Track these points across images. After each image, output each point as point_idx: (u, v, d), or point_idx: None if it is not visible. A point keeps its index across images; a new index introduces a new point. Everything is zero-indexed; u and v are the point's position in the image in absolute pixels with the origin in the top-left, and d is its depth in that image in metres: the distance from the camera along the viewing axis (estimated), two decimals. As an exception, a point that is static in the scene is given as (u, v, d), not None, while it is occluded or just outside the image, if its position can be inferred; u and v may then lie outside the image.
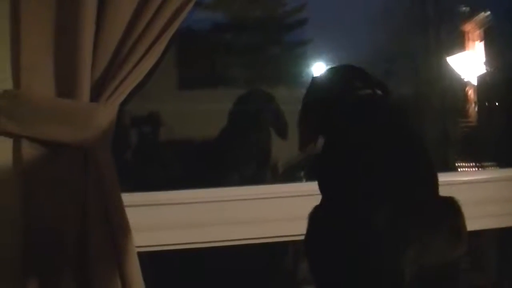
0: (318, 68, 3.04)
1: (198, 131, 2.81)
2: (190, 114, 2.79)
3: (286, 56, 3.25)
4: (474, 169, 2.72)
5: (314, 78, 1.77)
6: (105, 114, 1.89)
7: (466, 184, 2.29)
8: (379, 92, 1.60)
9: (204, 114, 2.80)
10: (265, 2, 3.20)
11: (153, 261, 2.19)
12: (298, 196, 2.13)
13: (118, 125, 1.95)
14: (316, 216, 1.47)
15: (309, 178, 2.61)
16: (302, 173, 2.84)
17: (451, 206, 1.43)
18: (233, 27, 3.11)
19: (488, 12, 2.76)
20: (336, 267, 1.38)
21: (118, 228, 1.89)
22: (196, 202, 2.12)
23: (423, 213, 1.37)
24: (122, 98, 1.91)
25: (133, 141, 2.70)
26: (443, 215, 1.41)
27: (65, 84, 1.88)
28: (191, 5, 1.94)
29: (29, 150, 1.88)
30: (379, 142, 1.45)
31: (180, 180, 2.59)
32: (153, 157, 2.74)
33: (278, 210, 2.17)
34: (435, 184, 1.47)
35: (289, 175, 2.77)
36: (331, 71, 1.77)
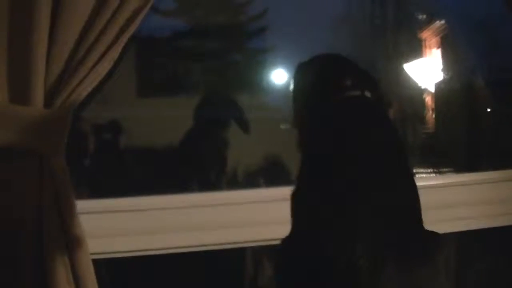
0: (279, 75, 3.05)
1: (158, 138, 2.80)
2: (150, 121, 2.78)
3: (248, 63, 3.26)
4: (432, 175, 2.74)
5: (301, 68, 1.71)
6: (59, 120, 1.86)
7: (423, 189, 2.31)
8: (368, 94, 1.55)
9: (165, 120, 2.79)
10: (226, 9, 3.20)
11: (110, 268, 2.18)
12: (257, 202, 2.12)
13: (76, 131, 1.93)
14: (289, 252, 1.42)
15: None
16: (261, 181, 2.85)
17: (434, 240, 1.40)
18: (194, 33, 3.11)
19: (444, 21, 2.79)
20: None
21: (72, 234, 1.86)
22: (152, 209, 2.11)
23: (408, 251, 1.34)
24: (76, 104, 1.88)
25: (92, 148, 2.68)
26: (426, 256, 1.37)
27: (18, 90, 1.84)
28: (146, 10, 1.91)
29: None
30: (363, 158, 1.42)
31: (139, 186, 2.58)
32: (112, 163, 2.72)
33: (235, 216, 2.15)
34: (419, 211, 1.44)
35: (250, 182, 2.77)
36: (319, 63, 1.69)
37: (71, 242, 1.86)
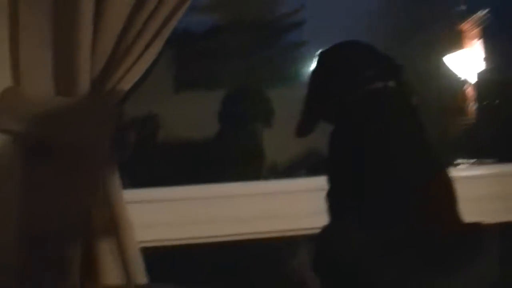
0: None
1: (195, 132, 2.82)
2: (187, 116, 2.79)
3: (282, 58, 3.25)
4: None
5: (322, 56, 1.65)
6: (104, 111, 1.89)
7: (465, 179, 2.29)
8: (392, 84, 1.52)
9: (201, 115, 2.80)
10: (261, 4, 3.20)
11: (156, 256, 2.19)
12: (298, 191, 2.13)
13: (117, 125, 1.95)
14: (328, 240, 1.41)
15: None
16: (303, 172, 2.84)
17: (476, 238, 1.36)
18: (229, 28, 3.11)
19: (486, 10, 2.75)
20: None
21: (121, 224, 1.89)
22: (196, 198, 2.13)
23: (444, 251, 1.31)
24: (120, 95, 1.90)
25: (131, 141, 2.70)
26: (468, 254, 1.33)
27: (64, 82, 1.87)
28: (187, 4, 1.93)
29: (27, 148, 1.87)
30: (392, 148, 1.42)
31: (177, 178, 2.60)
32: (151, 156, 2.74)
33: (277, 206, 2.16)
34: (455, 202, 1.41)
35: (290, 173, 2.77)
36: (341, 50, 1.65)
37: (119, 230, 1.89)
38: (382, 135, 1.41)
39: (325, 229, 1.41)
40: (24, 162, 1.87)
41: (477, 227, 1.38)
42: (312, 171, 2.60)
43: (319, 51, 1.68)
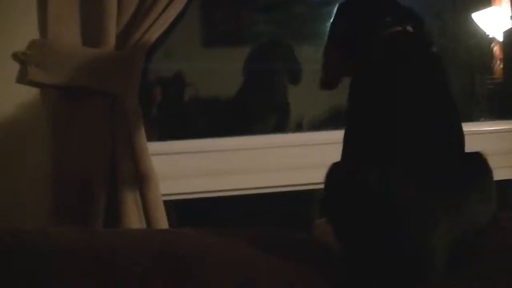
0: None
1: (222, 88, 2.83)
2: (214, 72, 2.80)
3: (311, 15, 3.23)
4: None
5: (342, 7, 1.65)
6: (131, 61, 1.91)
7: (491, 133, 2.30)
8: (409, 28, 1.51)
9: (229, 71, 2.81)
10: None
11: (178, 208, 2.23)
12: (324, 144, 2.15)
13: (143, 80, 1.97)
14: (336, 178, 1.41)
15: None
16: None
17: (479, 164, 1.39)
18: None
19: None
20: (360, 236, 1.33)
21: (145, 175, 1.92)
22: (221, 150, 2.15)
23: (453, 173, 1.32)
24: (147, 46, 1.92)
25: (158, 98, 2.72)
26: (472, 175, 1.36)
27: (91, 33, 1.90)
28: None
29: (57, 99, 1.91)
30: (415, 88, 1.41)
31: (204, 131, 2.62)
32: (177, 111, 2.76)
33: (303, 158, 2.18)
34: (463, 139, 1.42)
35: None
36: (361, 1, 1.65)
37: (142, 182, 1.92)
38: (406, 77, 1.42)
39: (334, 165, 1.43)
40: (54, 113, 1.91)
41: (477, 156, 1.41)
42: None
43: (339, 2, 1.67)
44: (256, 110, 2.78)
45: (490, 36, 2.77)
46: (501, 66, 2.77)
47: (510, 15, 2.70)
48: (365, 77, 1.50)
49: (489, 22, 2.75)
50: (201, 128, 2.72)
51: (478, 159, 1.40)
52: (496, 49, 2.78)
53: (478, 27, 2.78)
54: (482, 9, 2.78)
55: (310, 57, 2.89)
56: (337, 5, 1.67)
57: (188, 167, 2.14)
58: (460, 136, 1.42)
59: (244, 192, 2.17)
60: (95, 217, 1.88)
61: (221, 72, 2.80)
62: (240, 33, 3.06)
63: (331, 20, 1.68)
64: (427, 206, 1.28)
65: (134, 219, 1.91)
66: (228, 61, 2.86)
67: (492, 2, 2.79)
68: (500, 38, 2.75)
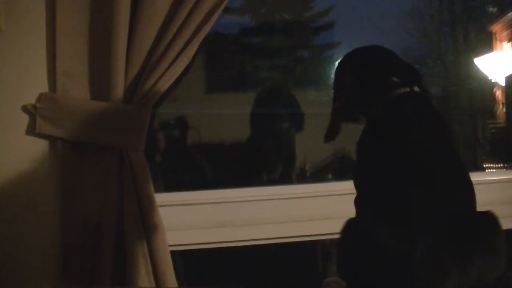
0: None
1: (225, 134, 2.84)
2: (218, 117, 2.81)
3: (314, 59, 3.26)
4: (502, 170, 2.70)
5: (347, 60, 1.66)
6: (139, 115, 1.93)
7: (495, 183, 2.29)
8: (416, 89, 1.54)
9: (232, 117, 2.83)
10: (292, 5, 3.22)
11: (185, 259, 2.22)
12: (327, 196, 2.15)
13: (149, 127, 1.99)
14: (351, 236, 1.41)
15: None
16: (329, 176, 2.85)
17: (491, 223, 1.39)
18: (260, 30, 3.13)
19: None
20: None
21: (152, 227, 1.92)
22: (226, 202, 2.15)
23: (465, 232, 1.34)
24: (154, 100, 1.94)
25: (162, 145, 2.73)
26: (482, 234, 1.36)
27: (100, 87, 1.93)
28: (221, 9, 1.97)
29: (65, 152, 1.93)
30: (427, 150, 1.43)
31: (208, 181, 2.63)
32: (181, 159, 2.77)
33: (306, 210, 2.18)
34: (474, 197, 1.43)
35: (316, 177, 2.78)
36: (366, 55, 1.64)
37: (150, 233, 1.93)
38: (414, 138, 1.44)
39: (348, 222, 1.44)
40: (63, 165, 1.93)
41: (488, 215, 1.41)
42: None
43: (344, 55, 1.69)
44: (263, 159, 2.79)
45: (493, 81, 2.80)
46: (504, 110, 2.79)
47: (512, 61, 2.74)
48: (377, 138, 1.51)
49: (491, 67, 2.78)
50: (206, 176, 2.73)
51: (490, 218, 1.40)
52: (499, 94, 2.81)
53: (481, 71, 2.81)
54: (484, 54, 2.82)
55: (314, 100, 2.92)
56: (339, 60, 1.70)
57: (193, 218, 2.14)
58: (471, 195, 1.42)
59: (250, 243, 2.16)
60: (104, 269, 1.88)
61: (225, 117, 2.82)
62: (244, 79, 3.08)
63: (334, 75, 1.70)
64: (439, 264, 1.29)
65: (141, 271, 1.91)
66: (231, 106, 2.88)
67: (494, 47, 2.82)
68: (502, 82, 2.78)
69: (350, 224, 1.42)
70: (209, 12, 1.95)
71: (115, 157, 1.92)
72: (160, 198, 2.02)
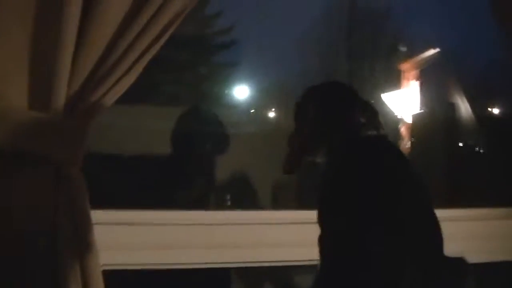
0: (242, 91, 3.07)
1: (129, 146, 2.78)
2: (123, 128, 2.75)
3: (213, 77, 3.26)
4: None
5: (310, 94, 1.68)
6: (79, 130, 1.85)
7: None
8: (382, 132, 1.59)
9: (135, 128, 2.77)
10: (194, 20, 3.20)
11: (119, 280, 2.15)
12: (263, 223, 2.14)
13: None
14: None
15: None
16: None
17: (461, 270, 1.44)
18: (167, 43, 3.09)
19: (431, 52, 2.86)
20: None
21: (85, 246, 1.85)
22: (165, 224, 2.11)
23: (434, 278, 1.37)
24: (96, 115, 1.86)
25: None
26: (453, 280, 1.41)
27: (39, 97, 1.81)
28: (175, 25, 1.95)
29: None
30: (397, 195, 1.44)
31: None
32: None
33: (248, 236, 2.17)
34: (441, 241, 1.46)
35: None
36: (329, 91, 1.67)
37: (83, 252, 1.85)
38: (384, 180, 1.46)
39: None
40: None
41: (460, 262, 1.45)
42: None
43: (307, 88, 1.70)
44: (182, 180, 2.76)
45: (399, 117, 2.91)
46: (408, 146, 2.91)
47: (419, 100, 2.86)
48: (345, 178, 1.52)
49: (398, 104, 2.90)
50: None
51: (461, 264, 1.44)
52: (403, 130, 2.92)
53: (387, 107, 2.91)
54: (391, 90, 2.92)
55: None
56: (305, 89, 1.70)
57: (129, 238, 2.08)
58: (439, 237, 1.47)
59: (185, 267, 2.13)
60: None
61: (129, 129, 2.76)
62: (146, 92, 3.03)
63: (297, 106, 1.69)
64: None
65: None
66: (134, 118, 2.82)
67: (401, 85, 2.93)
68: (408, 120, 2.90)
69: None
70: (162, 29, 1.90)
71: (51, 172, 1.82)
72: (97, 215, 1.93)
